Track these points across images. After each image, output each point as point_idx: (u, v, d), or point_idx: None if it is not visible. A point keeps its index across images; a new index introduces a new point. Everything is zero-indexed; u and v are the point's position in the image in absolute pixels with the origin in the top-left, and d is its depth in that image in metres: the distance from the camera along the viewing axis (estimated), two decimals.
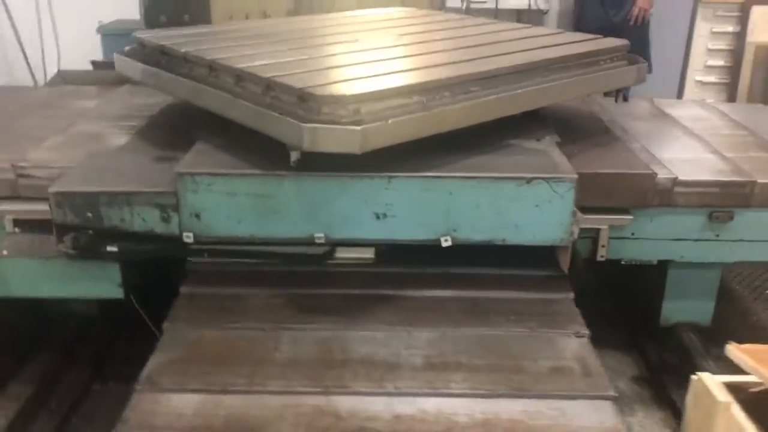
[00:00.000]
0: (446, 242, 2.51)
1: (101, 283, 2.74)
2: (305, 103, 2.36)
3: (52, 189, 2.50)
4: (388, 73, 2.58)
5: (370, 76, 2.54)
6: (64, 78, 4.26)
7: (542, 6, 6.23)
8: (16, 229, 2.85)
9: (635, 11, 5.25)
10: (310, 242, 2.54)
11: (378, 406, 1.96)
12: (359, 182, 2.46)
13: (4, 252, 2.72)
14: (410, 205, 2.48)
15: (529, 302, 2.48)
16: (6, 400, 2.86)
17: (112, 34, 6.35)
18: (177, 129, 3.08)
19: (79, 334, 3.30)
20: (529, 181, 2.44)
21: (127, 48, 3.37)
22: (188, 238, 2.52)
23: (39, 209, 2.80)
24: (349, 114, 2.32)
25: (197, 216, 2.49)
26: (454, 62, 2.75)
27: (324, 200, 2.48)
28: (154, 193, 2.49)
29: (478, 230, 2.51)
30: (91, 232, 2.57)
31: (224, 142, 2.69)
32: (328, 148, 2.30)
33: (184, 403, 1.95)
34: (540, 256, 2.64)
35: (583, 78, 2.91)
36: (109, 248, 2.61)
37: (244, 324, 2.32)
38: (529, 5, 6.19)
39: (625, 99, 2.92)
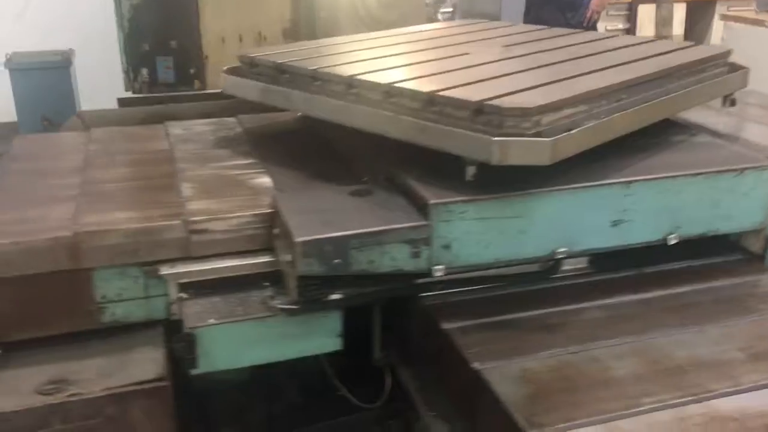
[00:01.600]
0: (672, 240, 2.61)
1: (319, 337, 2.49)
2: (483, 116, 2.34)
3: (299, 238, 2.23)
4: (546, 84, 2.61)
5: (532, 87, 2.55)
6: (84, 120, 3.71)
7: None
8: (183, 295, 2.50)
9: (589, 13, 5.65)
10: (550, 258, 2.51)
11: (755, 401, 2.01)
12: (600, 191, 2.48)
13: (211, 320, 2.37)
14: (644, 208, 2.54)
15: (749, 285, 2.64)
16: None
17: (25, 69, 5.65)
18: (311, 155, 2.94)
19: None
20: (741, 171, 2.61)
21: (225, 68, 3.12)
22: (439, 271, 2.38)
23: (222, 267, 2.51)
24: (532, 125, 2.34)
25: (447, 247, 2.36)
26: (592, 71, 2.84)
27: (567, 214, 2.46)
28: (407, 229, 2.32)
29: (697, 225, 2.63)
30: (316, 283, 2.33)
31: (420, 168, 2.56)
32: (518, 160, 2.30)
33: None
34: (713, 244, 2.81)
35: (707, 84, 3.10)
36: (333, 296, 2.38)
37: (551, 350, 2.24)
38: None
39: (733, 103, 3.17)
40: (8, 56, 5.79)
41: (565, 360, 2.21)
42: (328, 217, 2.37)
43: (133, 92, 4.48)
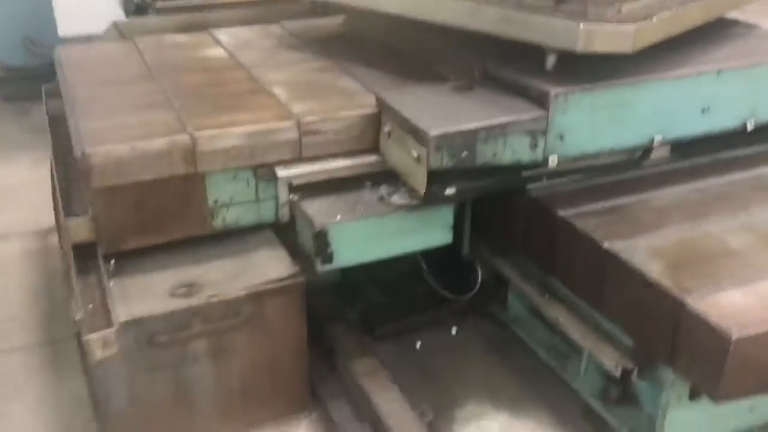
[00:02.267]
0: (750, 125, 2.76)
1: (433, 231, 2.56)
2: (566, 4, 2.38)
3: (433, 132, 2.25)
4: None
5: None
6: (121, 30, 3.52)
7: None
8: (294, 197, 2.51)
9: None
10: (648, 146, 2.63)
11: None
12: (696, 79, 2.59)
13: (339, 218, 2.39)
14: (729, 95, 2.67)
15: None
16: None
17: None
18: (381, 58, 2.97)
19: None
20: None
21: None
22: (553, 161, 2.46)
23: (334, 167, 2.52)
24: (614, 14, 2.41)
25: (561, 137, 2.44)
26: None
27: (666, 102, 2.56)
28: (529, 120, 2.37)
29: None
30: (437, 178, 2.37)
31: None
32: (602, 48, 2.37)
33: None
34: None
35: None
36: (450, 191, 2.44)
37: (666, 229, 2.38)
38: None
39: None
40: None
41: (683, 237, 2.34)
42: (447, 113, 2.40)
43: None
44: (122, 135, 2.34)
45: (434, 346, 2.96)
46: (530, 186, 2.60)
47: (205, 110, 2.54)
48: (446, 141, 2.28)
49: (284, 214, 2.58)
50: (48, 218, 3.85)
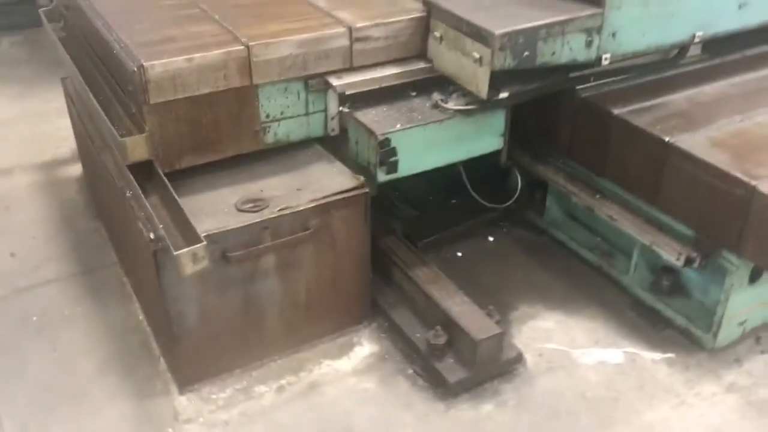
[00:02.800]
0: None
1: (487, 137, 2.56)
2: None
3: (499, 31, 2.23)
4: None
5: None
6: None
7: None
8: (344, 108, 2.46)
9: None
10: (688, 44, 2.66)
11: None
12: None
13: (399, 126, 2.36)
14: None
15: None
16: None
17: None
18: None
19: None
20: None
21: None
22: (606, 60, 2.47)
23: (385, 75, 2.48)
24: None
25: (614, 35, 2.44)
26: None
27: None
28: (586, 17, 2.36)
29: None
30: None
31: None
32: None
33: None
34: None
35: None
36: (503, 94, 2.43)
37: (720, 121, 2.44)
38: None
39: None
40: None
41: (738, 128, 2.41)
42: (505, 12, 2.37)
43: None
44: (174, 48, 2.24)
45: (474, 254, 3.00)
46: (579, 87, 2.61)
47: (247, 21, 2.44)
48: (510, 40, 2.25)
49: (333, 127, 2.54)
50: (49, 150, 3.69)
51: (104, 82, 2.58)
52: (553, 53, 2.36)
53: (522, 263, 2.96)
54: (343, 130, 2.53)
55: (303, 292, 2.42)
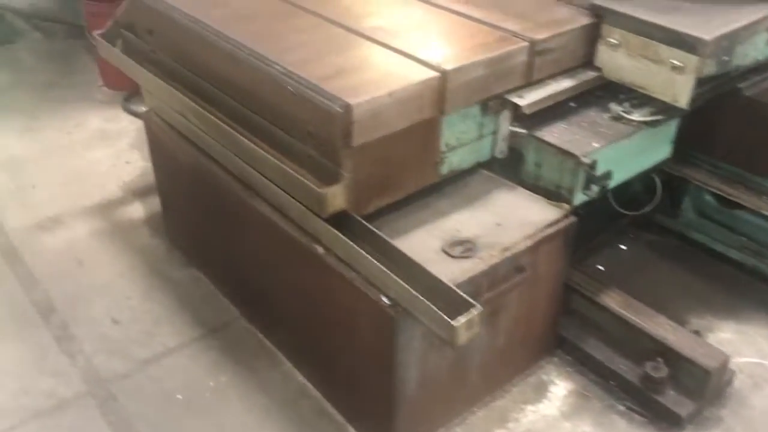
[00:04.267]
0: None
1: (661, 146, 2.43)
2: None
3: (710, 37, 2.06)
4: None
5: None
6: None
7: None
8: (519, 129, 2.25)
9: None
10: None
11: None
12: None
13: (595, 144, 2.17)
14: None
15: None
16: None
17: None
18: None
19: None
20: None
21: None
22: None
23: (563, 88, 2.28)
24: None
25: None
26: None
27: None
28: None
29: None
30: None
31: None
32: None
33: None
34: None
35: None
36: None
37: None
38: None
39: None
40: None
41: None
42: (693, 14, 2.21)
43: None
44: (361, 80, 1.96)
45: (614, 266, 2.85)
46: (741, 85, 2.49)
47: (417, 44, 2.16)
48: (717, 45, 2.10)
49: (503, 149, 2.32)
50: (95, 190, 3.24)
51: (229, 118, 2.26)
52: (745, 55, 2.24)
53: (666, 270, 2.84)
54: (514, 152, 2.31)
55: (502, 336, 2.21)
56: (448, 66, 2.00)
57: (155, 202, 3.06)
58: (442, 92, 2.01)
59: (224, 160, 2.32)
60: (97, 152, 3.63)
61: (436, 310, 1.67)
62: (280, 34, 2.23)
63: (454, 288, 1.72)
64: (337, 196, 1.93)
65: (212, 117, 2.25)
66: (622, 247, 2.95)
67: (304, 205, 2.01)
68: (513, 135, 2.28)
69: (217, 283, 2.74)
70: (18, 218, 3.13)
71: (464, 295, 1.70)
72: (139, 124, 3.64)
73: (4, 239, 3.01)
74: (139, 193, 3.31)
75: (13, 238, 3.02)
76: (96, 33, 2.88)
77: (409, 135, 2.02)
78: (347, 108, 1.82)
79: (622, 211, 2.85)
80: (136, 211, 3.19)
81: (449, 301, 1.72)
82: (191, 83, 2.43)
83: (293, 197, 2.04)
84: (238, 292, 2.64)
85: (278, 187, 2.08)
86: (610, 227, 2.95)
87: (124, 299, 2.69)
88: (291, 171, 1.98)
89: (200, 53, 2.33)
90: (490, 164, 2.35)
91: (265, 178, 2.13)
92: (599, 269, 2.83)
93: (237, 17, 2.35)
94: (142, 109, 3.45)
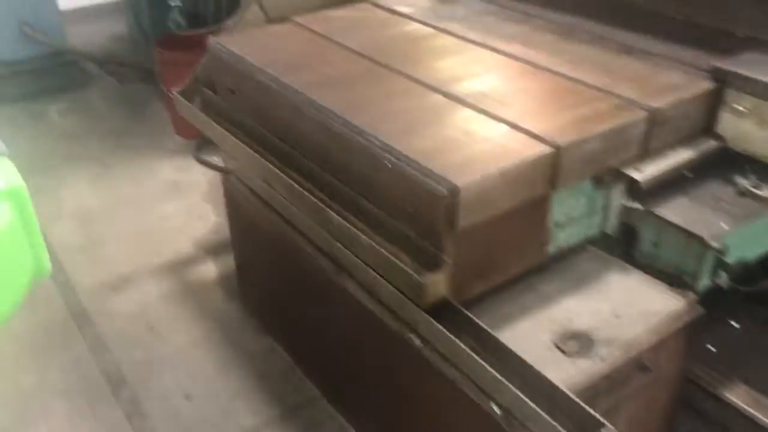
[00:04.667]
0: None
1: None
2: None
3: None
4: None
5: None
6: (264, 7, 2.81)
7: None
8: (635, 205, 2.03)
9: None
10: None
11: None
12: None
13: (722, 225, 1.94)
14: None
15: None
16: None
17: None
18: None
19: None
20: None
21: None
22: None
23: (682, 160, 2.05)
24: None
25: None
26: None
27: None
28: None
29: None
30: None
31: None
32: None
33: None
34: None
35: None
36: None
37: None
38: None
39: None
40: None
41: None
42: None
43: None
44: (467, 156, 1.78)
45: (726, 343, 2.57)
46: None
47: (520, 107, 1.99)
48: None
49: (613, 225, 2.10)
50: (166, 247, 3.13)
51: (317, 188, 2.11)
52: None
53: None
54: (626, 228, 2.10)
55: None
56: (563, 140, 1.81)
57: (229, 262, 2.93)
58: (555, 168, 1.82)
59: (311, 233, 2.16)
60: (169, 205, 3.54)
61: (563, 430, 1.46)
62: (373, 101, 2.08)
63: (582, 404, 1.51)
64: (438, 285, 1.74)
65: (300, 189, 2.10)
66: (735, 324, 2.68)
67: (399, 291, 1.83)
68: (626, 210, 2.07)
69: (296, 356, 2.58)
70: (89, 276, 3.03)
71: (594, 414, 1.48)
72: (211, 175, 3.55)
73: (75, 300, 2.92)
74: (212, 250, 3.19)
75: (83, 299, 2.92)
76: (174, 90, 2.79)
77: (515, 214, 1.83)
78: (454, 190, 1.64)
79: (735, 285, 2.61)
80: (209, 271, 3.07)
81: (571, 414, 1.51)
82: (276, 148, 2.29)
83: (388, 281, 1.86)
84: (319, 370, 2.47)
85: (371, 268, 1.91)
86: (721, 302, 2.69)
87: (198, 371, 2.55)
88: (387, 254, 1.80)
89: (287, 119, 2.20)
90: (599, 240, 2.14)
91: (357, 257, 1.96)
92: (710, 350, 2.57)
93: (326, 81, 2.20)
94: (215, 159, 3.36)
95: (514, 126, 1.89)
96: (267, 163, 2.26)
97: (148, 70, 4.69)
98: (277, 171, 2.20)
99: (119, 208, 3.51)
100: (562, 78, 2.16)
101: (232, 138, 2.42)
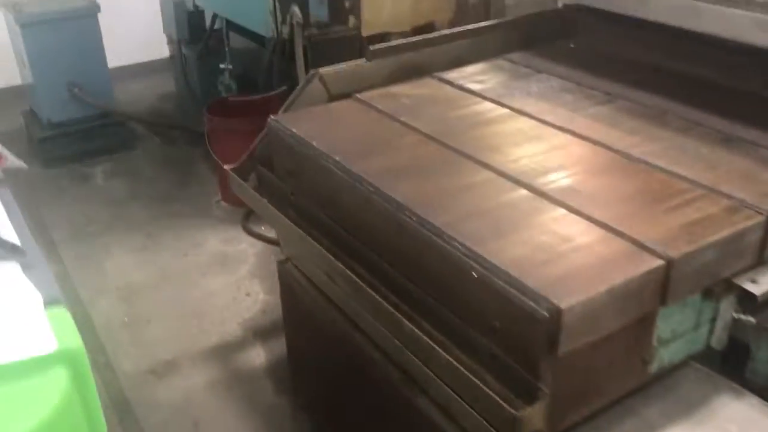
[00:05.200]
0: None
1: None
2: None
3: None
4: None
5: None
6: (326, 82, 2.68)
7: None
8: (748, 317, 1.79)
9: None
10: None
11: None
12: None
13: None
14: None
15: None
16: None
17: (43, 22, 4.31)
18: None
19: None
20: None
21: None
22: None
23: None
24: None
25: None
26: None
27: None
28: None
29: None
30: None
31: None
32: None
33: None
34: None
35: None
36: None
37: None
38: None
39: None
40: (18, 9, 4.30)
41: None
42: None
43: (277, 36, 3.46)
44: (568, 267, 1.57)
45: None
46: None
47: (613, 210, 1.78)
48: None
49: (721, 339, 1.86)
50: (213, 329, 2.94)
51: (386, 287, 1.91)
52: None
53: None
54: (736, 343, 1.86)
55: None
56: (675, 251, 1.59)
57: (279, 348, 2.74)
58: (666, 283, 1.59)
59: (377, 336, 1.96)
60: (216, 280, 3.37)
61: None
62: (450, 195, 1.89)
63: None
64: (534, 418, 1.52)
65: (367, 288, 1.90)
66: None
67: (485, 419, 1.60)
68: (738, 324, 1.83)
69: None
70: (132, 360, 2.86)
71: None
72: (259, 247, 3.40)
73: (117, 386, 2.74)
74: (261, 333, 3.00)
75: (125, 385, 2.74)
76: (229, 167, 2.64)
77: (619, 333, 1.61)
78: (556, 312, 1.43)
79: None
80: (258, 356, 2.87)
81: None
82: (340, 239, 2.11)
83: (470, 406, 1.64)
84: None
85: (450, 388, 1.69)
86: None
87: None
88: (472, 377, 1.59)
89: (354, 209, 2.02)
90: (703, 355, 1.90)
91: (432, 373, 1.74)
92: None
93: (397, 169, 2.02)
94: (263, 229, 3.21)
95: (614, 231, 1.68)
96: (329, 255, 2.07)
97: (196, 131, 4.60)
98: (341, 266, 2.01)
99: (164, 283, 3.36)
100: (659, 172, 1.95)
101: (291, 224, 2.24)
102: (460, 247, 1.65)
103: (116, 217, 3.91)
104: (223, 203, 4.04)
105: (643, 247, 1.62)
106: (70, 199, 4.11)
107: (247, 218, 3.89)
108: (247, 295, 3.23)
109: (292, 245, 2.38)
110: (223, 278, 3.36)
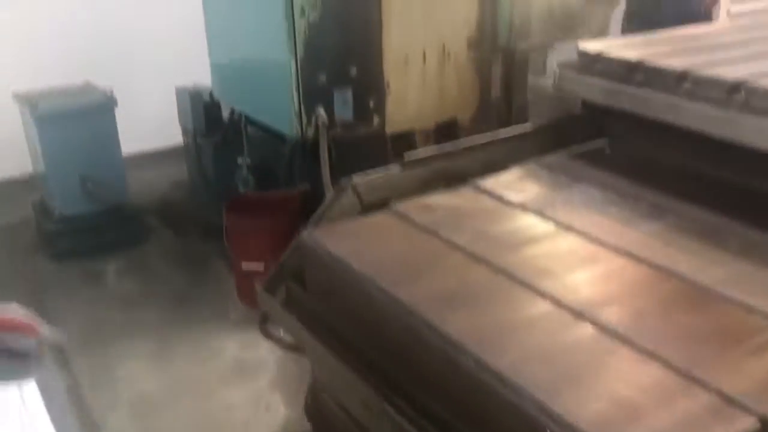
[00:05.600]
0: None
1: None
2: None
3: None
4: None
5: None
6: (359, 191, 2.58)
7: None
8: None
9: None
10: None
11: None
12: None
13: None
14: None
15: None
16: None
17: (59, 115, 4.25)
18: None
19: None
20: None
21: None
22: None
23: None
24: None
25: None
26: None
27: None
28: None
29: None
30: None
31: None
32: None
33: None
34: None
35: None
36: None
37: None
38: None
39: None
40: (33, 103, 4.25)
41: None
42: None
43: (303, 137, 3.39)
44: (653, 429, 1.41)
45: None
46: None
47: (695, 351, 1.63)
48: None
49: None
50: None
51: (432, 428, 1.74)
52: None
53: None
54: None
55: None
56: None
57: None
58: None
59: None
60: (233, 392, 3.19)
61: None
62: (509, 331, 1.74)
63: None
64: None
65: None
66: None
67: None
68: None
69: None
70: None
71: None
72: (278, 354, 3.22)
73: None
74: None
75: None
76: (260, 288, 2.50)
77: None
78: None
79: None
80: None
81: None
82: (381, 371, 1.95)
83: None
84: None
85: None
86: None
87: None
88: None
89: (398, 340, 1.87)
90: None
91: None
92: None
93: (444, 297, 1.89)
94: (281, 333, 3.04)
95: (695, 380, 1.53)
96: (371, 389, 1.91)
97: (210, 224, 4.49)
98: (386, 404, 1.85)
99: (179, 395, 3.17)
100: (731, 305, 1.80)
101: (327, 351, 2.09)
102: (528, 398, 1.50)
103: (129, 320, 3.75)
104: (239, 303, 3.89)
105: (729, 400, 1.46)
106: (80, 301, 3.96)
107: (265, 321, 3.74)
108: (267, 409, 3.04)
109: (328, 375, 2.22)
110: (241, 390, 3.18)
